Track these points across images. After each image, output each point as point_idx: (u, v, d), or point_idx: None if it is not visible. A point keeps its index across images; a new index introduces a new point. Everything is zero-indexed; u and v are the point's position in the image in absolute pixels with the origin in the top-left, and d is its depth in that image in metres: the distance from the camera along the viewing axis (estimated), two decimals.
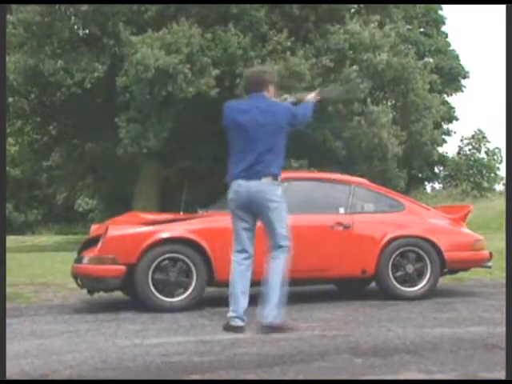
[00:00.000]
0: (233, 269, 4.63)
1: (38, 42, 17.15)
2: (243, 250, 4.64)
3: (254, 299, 4.65)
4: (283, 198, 4.66)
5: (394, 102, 24.40)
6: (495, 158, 35.74)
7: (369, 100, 19.47)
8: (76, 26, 17.43)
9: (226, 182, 4.73)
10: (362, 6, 19.93)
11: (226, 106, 4.77)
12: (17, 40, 17.51)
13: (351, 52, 17.52)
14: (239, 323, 4.51)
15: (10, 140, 22.86)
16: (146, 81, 16.03)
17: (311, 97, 5.06)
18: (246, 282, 4.60)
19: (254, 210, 4.59)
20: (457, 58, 36.39)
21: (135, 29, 17.01)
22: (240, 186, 4.56)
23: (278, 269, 4.54)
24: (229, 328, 4.51)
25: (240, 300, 4.55)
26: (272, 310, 4.46)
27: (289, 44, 17.17)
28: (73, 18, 17.23)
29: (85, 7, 16.43)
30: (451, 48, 36.72)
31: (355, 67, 17.38)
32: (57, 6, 16.86)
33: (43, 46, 17.10)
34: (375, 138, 19.05)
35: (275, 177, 4.60)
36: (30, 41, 17.28)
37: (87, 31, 17.78)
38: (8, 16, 17.02)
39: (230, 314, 4.54)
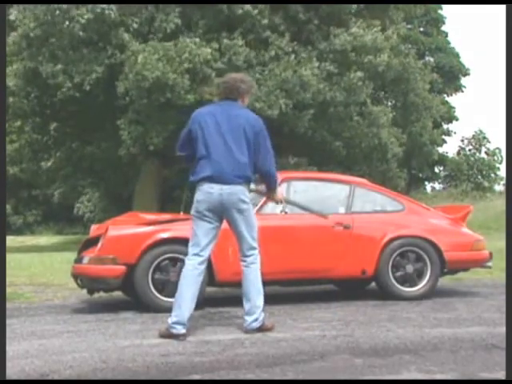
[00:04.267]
0: (185, 272, 4.47)
1: (38, 46, 17.13)
2: (199, 255, 4.47)
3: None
4: (250, 201, 4.65)
5: (394, 101, 24.42)
6: (495, 158, 35.77)
7: (368, 101, 19.46)
8: (76, 29, 17.33)
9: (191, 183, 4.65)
10: (362, 6, 19.88)
11: (198, 112, 4.68)
12: (17, 49, 17.52)
13: (353, 54, 17.49)
14: (181, 330, 4.29)
15: (7, 138, 22.87)
16: (144, 88, 16.05)
17: (279, 195, 5.01)
18: (197, 287, 4.45)
19: (223, 213, 4.51)
20: (457, 55, 36.42)
21: (140, 38, 16.93)
22: (212, 188, 4.46)
23: (257, 273, 4.54)
24: (168, 335, 4.28)
25: (187, 305, 4.37)
26: (260, 315, 4.48)
27: (290, 50, 17.13)
28: (74, 24, 17.14)
29: (86, 17, 16.33)
30: (451, 46, 36.76)
31: (359, 73, 17.35)
32: (57, 12, 16.81)
33: (42, 48, 17.07)
34: (374, 138, 19.05)
35: (247, 181, 4.54)
36: (30, 46, 17.26)
37: (87, 33, 17.69)
38: (13, 33, 17.10)
39: (172, 318, 4.31)
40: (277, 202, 5.09)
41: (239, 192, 4.48)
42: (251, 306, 4.49)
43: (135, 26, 16.90)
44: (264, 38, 17.42)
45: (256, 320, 4.46)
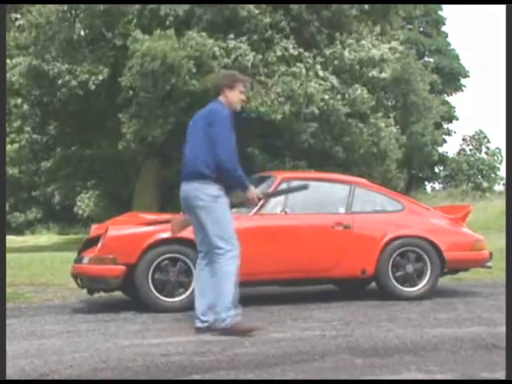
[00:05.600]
0: None
1: (44, 42, 17.12)
2: (199, 250, 4.66)
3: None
4: (219, 198, 4.45)
5: (394, 102, 24.43)
6: (495, 158, 35.80)
7: (380, 114, 19.54)
8: (81, 25, 17.29)
9: None
10: (362, 9, 19.81)
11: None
12: (24, 42, 17.51)
13: (359, 67, 17.50)
14: (197, 324, 4.47)
15: (7, 139, 22.87)
16: (150, 73, 15.99)
17: (251, 194, 4.59)
18: (202, 282, 4.53)
19: (191, 210, 4.55)
20: (457, 57, 36.47)
21: (146, 32, 16.96)
22: (181, 187, 4.60)
23: (218, 273, 4.40)
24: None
25: (197, 300, 4.52)
26: (219, 314, 4.35)
27: (296, 53, 17.13)
28: (77, 20, 17.14)
29: (99, 7, 16.35)
30: (451, 48, 36.80)
31: (365, 92, 17.35)
32: (64, 8, 16.83)
33: (48, 47, 17.07)
34: (373, 147, 19.18)
35: (201, 177, 4.44)
36: (37, 42, 17.25)
37: (92, 31, 17.65)
38: (22, 21, 17.11)
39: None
40: (248, 205, 4.75)
41: (192, 189, 4.48)
42: (207, 306, 4.46)
43: (135, 16, 16.93)
44: (268, 38, 17.40)
45: (224, 320, 4.34)
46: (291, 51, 17.08)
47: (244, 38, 16.86)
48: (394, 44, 18.71)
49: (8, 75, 16.41)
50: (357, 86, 17.52)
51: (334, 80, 17.18)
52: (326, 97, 16.88)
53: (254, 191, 4.64)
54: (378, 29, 18.69)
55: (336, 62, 17.57)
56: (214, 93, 4.74)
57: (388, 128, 19.59)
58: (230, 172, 4.41)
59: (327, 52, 17.73)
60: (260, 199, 4.84)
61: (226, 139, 4.40)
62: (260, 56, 16.87)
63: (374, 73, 17.74)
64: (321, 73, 17.07)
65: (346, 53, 17.38)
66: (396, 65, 19.17)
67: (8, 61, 16.68)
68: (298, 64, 16.96)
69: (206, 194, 4.43)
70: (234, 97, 4.62)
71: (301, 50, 17.32)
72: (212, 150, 4.40)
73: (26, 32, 17.34)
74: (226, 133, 4.42)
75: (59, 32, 16.85)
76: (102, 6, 16.44)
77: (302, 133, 17.27)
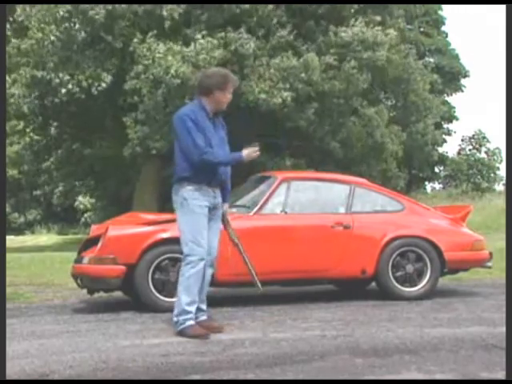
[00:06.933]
0: None
1: (45, 48, 17.09)
2: None
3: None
4: (187, 200, 4.39)
5: (394, 101, 24.42)
6: (495, 158, 35.78)
7: (365, 103, 19.53)
8: (81, 27, 17.26)
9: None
10: (362, 5, 19.90)
11: None
12: (25, 48, 17.53)
13: (353, 46, 17.49)
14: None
15: (7, 140, 22.89)
16: (165, 92, 16.00)
17: (246, 153, 4.49)
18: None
19: None
20: (457, 57, 36.46)
21: (151, 34, 16.97)
22: None
23: (180, 279, 4.40)
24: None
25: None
26: (179, 319, 4.35)
27: (291, 38, 17.18)
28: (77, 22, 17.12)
29: (101, 14, 16.30)
30: (451, 47, 36.80)
31: (353, 63, 17.36)
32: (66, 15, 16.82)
33: (49, 56, 17.05)
34: (369, 138, 19.14)
35: (181, 180, 4.45)
36: (38, 48, 17.23)
37: (94, 34, 17.61)
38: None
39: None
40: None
41: (172, 191, 4.53)
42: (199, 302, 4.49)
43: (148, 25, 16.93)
44: (269, 29, 17.46)
45: (176, 322, 4.37)
46: (286, 37, 17.13)
47: (243, 28, 16.86)
48: (388, 31, 18.71)
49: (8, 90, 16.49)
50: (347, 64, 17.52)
51: (329, 59, 17.22)
52: (319, 79, 16.90)
53: (247, 152, 4.49)
54: (378, 18, 18.70)
55: (331, 51, 17.61)
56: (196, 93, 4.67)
57: (380, 116, 19.56)
58: (215, 165, 4.42)
59: (319, 41, 17.82)
60: (256, 149, 4.56)
61: (186, 145, 4.38)
62: (259, 43, 16.92)
63: (370, 53, 17.67)
64: (316, 58, 17.17)
65: (339, 34, 17.42)
66: (394, 52, 19.14)
67: (8, 77, 16.72)
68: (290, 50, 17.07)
69: (176, 197, 4.47)
70: (219, 95, 4.46)
71: (295, 32, 17.35)
72: (181, 152, 4.45)
73: (26, 42, 17.32)
74: (184, 135, 4.40)
75: (59, 36, 16.83)
76: (102, 18, 16.39)
77: (303, 115, 17.26)
